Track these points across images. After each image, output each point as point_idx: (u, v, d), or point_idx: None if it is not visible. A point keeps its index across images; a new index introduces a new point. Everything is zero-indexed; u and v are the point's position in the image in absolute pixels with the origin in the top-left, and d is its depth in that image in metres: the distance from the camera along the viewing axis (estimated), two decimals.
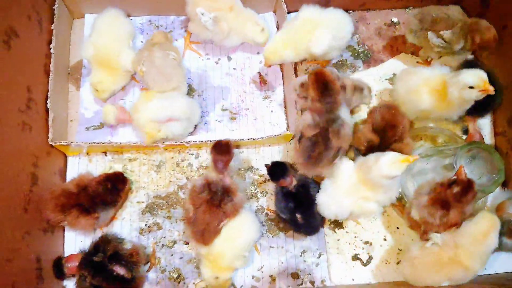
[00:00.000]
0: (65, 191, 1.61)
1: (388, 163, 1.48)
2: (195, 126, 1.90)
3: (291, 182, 1.64)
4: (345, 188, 1.61)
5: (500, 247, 1.63)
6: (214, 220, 1.58)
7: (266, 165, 1.69)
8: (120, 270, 1.51)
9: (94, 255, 1.51)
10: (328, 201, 1.63)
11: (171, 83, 1.77)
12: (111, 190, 1.65)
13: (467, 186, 1.49)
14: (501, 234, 1.60)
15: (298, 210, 1.64)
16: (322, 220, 1.74)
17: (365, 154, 1.64)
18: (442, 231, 1.54)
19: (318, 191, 1.66)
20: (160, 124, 1.72)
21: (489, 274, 1.79)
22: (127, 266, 1.52)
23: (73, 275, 1.60)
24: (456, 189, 1.49)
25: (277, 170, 1.64)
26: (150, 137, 1.74)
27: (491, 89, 1.59)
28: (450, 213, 1.52)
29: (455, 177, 1.52)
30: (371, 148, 1.67)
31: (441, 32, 1.83)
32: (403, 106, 1.76)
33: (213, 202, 1.57)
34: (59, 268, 1.60)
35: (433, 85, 1.73)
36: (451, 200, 1.50)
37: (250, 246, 1.65)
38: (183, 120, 1.76)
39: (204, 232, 1.58)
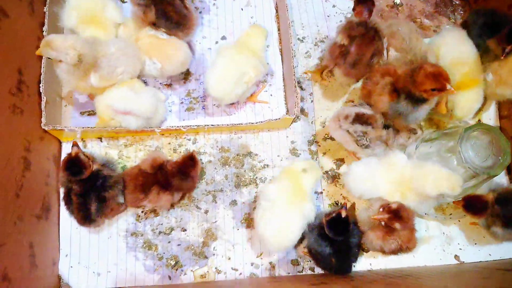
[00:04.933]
0: (143, 172, 1.60)
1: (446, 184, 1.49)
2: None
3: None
4: (391, 176, 1.59)
5: (494, 237, 1.62)
6: (368, 53, 1.68)
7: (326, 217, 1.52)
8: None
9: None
10: (365, 177, 1.60)
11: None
12: (183, 177, 1.61)
13: (396, 216, 1.46)
14: (490, 224, 1.59)
15: (334, 256, 1.54)
16: (355, 260, 1.65)
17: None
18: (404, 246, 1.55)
19: (359, 239, 1.60)
20: (116, 113, 1.65)
21: (493, 260, 1.75)
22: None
23: None
24: (398, 225, 1.47)
25: (338, 227, 1.51)
26: (101, 122, 1.68)
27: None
28: (400, 235, 1.52)
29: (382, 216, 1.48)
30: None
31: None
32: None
33: (368, 36, 1.67)
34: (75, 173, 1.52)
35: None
36: (404, 228, 1.50)
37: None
38: (141, 118, 1.68)
39: (356, 63, 1.69)
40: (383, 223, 1.49)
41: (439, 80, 1.43)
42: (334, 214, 1.48)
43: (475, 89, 1.72)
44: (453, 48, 1.74)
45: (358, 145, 1.66)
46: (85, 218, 1.55)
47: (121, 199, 1.63)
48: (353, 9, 1.72)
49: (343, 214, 1.47)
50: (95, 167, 1.54)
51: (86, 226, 1.61)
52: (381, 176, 1.59)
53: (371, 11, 1.70)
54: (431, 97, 1.49)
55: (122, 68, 1.64)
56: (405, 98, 1.53)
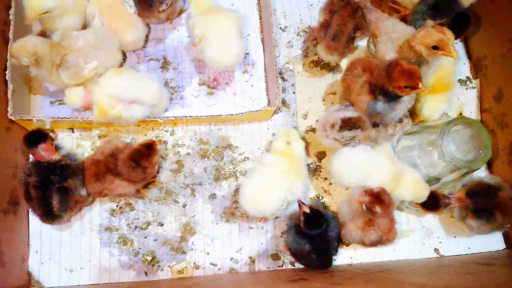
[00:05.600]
0: (95, 161, 1.53)
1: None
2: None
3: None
4: (387, 167, 1.58)
5: (471, 230, 1.65)
6: (349, 24, 1.70)
7: (304, 212, 1.48)
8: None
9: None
10: (363, 166, 1.57)
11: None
12: (133, 166, 1.49)
13: (377, 199, 1.45)
14: (465, 217, 1.61)
15: (314, 252, 1.51)
16: (336, 253, 1.64)
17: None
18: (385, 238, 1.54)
19: (338, 231, 1.56)
20: (120, 102, 1.56)
21: (472, 253, 1.76)
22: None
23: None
24: (379, 209, 1.45)
25: (314, 221, 1.47)
26: (101, 113, 1.57)
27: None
28: (380, 225, 1.51)
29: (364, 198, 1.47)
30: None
31: None
32: None
33: (349, 8, 1.70)
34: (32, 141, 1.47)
35: None
36: (386, 212, 1.48)
37: None
38: (147, 106, 1.62)
39: (336, 35, 1.71)
40: (364, 206, 1.47)
41: (413, 78, 1.43)
42: (302, 216, 1.46)
43: (445, 92, 1.74)
44: None
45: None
46: (47, 214, 1.48)
47: (82, 191, 1.55)
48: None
49: (307, 210, 1.46)
50: (56, 157, 1.48)
51: (49, 223, 1.53)
52: (379, 166, 1.57)
53: None
54: (403, 94, 1.49)
55: (94, 63, 1.55)
56: (380, 93, 1.51)
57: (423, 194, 1.59)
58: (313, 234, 1.48)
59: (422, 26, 1.71)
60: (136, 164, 1.49)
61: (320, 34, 1.78)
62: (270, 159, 1.57)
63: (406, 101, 1.55)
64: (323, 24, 1.77)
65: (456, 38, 1.70)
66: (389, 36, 1.72)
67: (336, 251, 1.61)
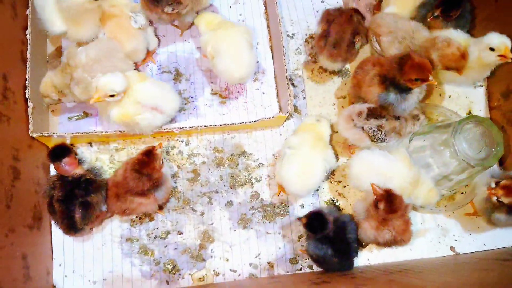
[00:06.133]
0: (114, 182, 1.56)
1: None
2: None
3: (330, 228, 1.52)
4: (405, 172, 1.60)
5: (496, 223, 1.63)
6: (347, 30, 1.75)
7: (300, 218, 1.51)
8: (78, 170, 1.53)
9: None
10: (383, 169, 1.59)
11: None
12: (137, 177, 1.48)
13: (387, 197, 1.46)
14: (493, 211, 1.59)
15: (336, 256, 1.54)
16: (356, 255, 1.64)
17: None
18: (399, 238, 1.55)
19: (356, 234, 1.58)
20: (145, 109, 1.59)
21: (488, 250, 1.77)
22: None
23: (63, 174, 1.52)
24: (382, 206, 1.46)
25: (316, 224, 1.49)
26: (123, 117, 1.56)
27: (510, 58, 1.60)
28: (395, 226, 1.51)
29: (379, 190, 1.48)
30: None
31: None
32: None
33: (345, 16, 1.77)
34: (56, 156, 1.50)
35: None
36: (386, 215, 1.48)
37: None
38: (165, 114, 1.66)
39: (337, 43, 1.76)
40: (374, 196, 1.49)
41: (423, 71, 1.48)
42: (305, 228, 1.51)
43: None
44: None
45: (373, 141, 1.65)
46: (70, 226, 1.52)
47: (103, 207, 1.58)
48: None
49: (305, 220, 1.48)
50: (79, 171, 1.52)
51: (71, 235, 1.56)
52: (397, 170, 1.59)
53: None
54: (414, 86, 1.54)
55: (99, 76, 1.55)
56: (390, 85, 1.55)
57: (433, 201, 1.64)
58: (324, 236, 1.51)
59: (429, 13, 1.77)
60: (139, 174, 1.47)
61: (320, 44, 1.81)
62: (296, 140, 1.64)
63: (417, 92, 1.59)
64: (322, 34, 1.81)
65: (448, 18, 1.75)
66: (395, 36, 1.75)
67: (357, 253, 1.63)
